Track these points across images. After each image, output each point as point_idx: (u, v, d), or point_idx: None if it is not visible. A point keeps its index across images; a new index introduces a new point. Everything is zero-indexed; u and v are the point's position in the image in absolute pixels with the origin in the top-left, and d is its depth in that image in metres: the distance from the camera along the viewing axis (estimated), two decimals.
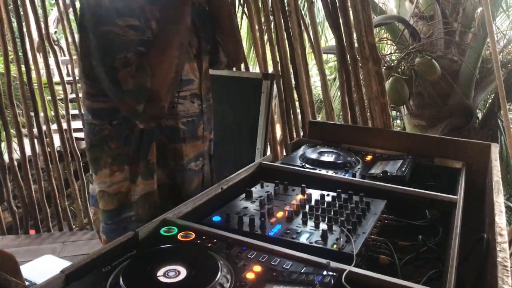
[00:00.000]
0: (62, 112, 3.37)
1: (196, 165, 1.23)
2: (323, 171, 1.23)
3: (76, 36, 2.97)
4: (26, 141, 3.04)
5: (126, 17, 0.99)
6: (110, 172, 1.12)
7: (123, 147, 1.11)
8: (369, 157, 1.39)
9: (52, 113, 3.20)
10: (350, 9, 2.20)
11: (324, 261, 0.70)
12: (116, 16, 0.98)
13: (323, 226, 0.85)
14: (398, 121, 5.05)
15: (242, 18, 3.13)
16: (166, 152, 1.16)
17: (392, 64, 3.49)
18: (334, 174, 1.21)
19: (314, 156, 1.35)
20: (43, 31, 2.94)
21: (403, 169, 1.24)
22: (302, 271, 0.68)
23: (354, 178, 1.17)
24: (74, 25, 3.09)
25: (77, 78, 3.17)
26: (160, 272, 0.65)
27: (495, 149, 1.36)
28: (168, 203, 1.15)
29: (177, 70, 1.04)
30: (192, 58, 1.20)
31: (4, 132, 3.01)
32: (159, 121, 1.09)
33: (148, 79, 0.97)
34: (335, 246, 0.78)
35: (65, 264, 1.83)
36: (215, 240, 0.78)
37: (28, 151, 3.03)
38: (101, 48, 0.99)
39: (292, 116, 2.63)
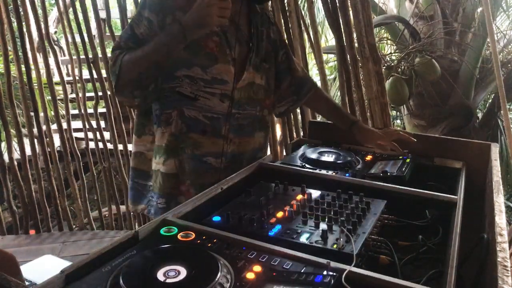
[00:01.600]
0: (62, 112, 3.37)
1: (216, 162, 1.29)
2: (323, 171, 1.23)
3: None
4: (26, 141, 3.04)
5: (147, 10, 1.19)
6: (152, 138, 1.30)
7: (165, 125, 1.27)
8: (369, 157, 1.39)
9: (52, 113, 3.20)
10: (350, 9, 2.20)
11: (324, 261, 0.70)
12: (144, 7, 1.19)
13: (323, 226, 0.85)
14: (398, 121, 5.05)
15: None
16: (184, 139, 1.26)
17: (392, 64, 3.49)
18: (334, 174, 1.21)
19: (314, 156, 1.35)
20: (43, 31, 2.93)
21: (403, 169, 1.24)
22: (302, 271, 0.68)
23: (354, 178, 1.17)
24: (74, 25, 3.09)
25: (77, 78, 3.17)
26: (160, 272, 0.65)
27: (495, 149, 1.36)
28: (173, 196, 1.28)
29: (142, 74, 1.19)
30: (229, 61, 1.25)
31: (4, 132, 3.01)
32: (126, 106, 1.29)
33: (116, 70, 1.17)
34: (335, 246, 0.78)
35: (65, 264, 1.83)
36: (215, 240, 0.77)
37: (28, 151, 3.02)
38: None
39: (292, 116, 2.63)
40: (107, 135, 3.24)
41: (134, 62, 1.16)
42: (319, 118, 2.52)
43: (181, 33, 1.12)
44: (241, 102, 1.30)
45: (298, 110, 2.60)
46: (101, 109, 3.53)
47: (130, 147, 3.10)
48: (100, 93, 3.09)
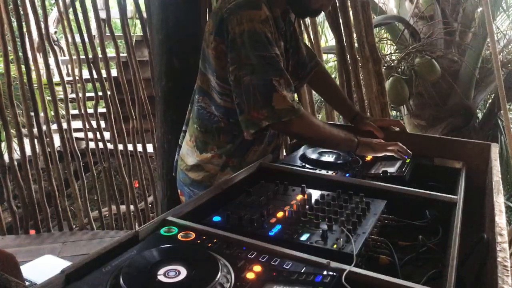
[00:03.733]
0: (62, 112, 3.38)
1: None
2: (323, 171, 1.23)
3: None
4: (26, 141, 3.04)
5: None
6: (212, 156, 1.35)
7: (228, 143, 1.34)
8: (369, 157, 1.39)
9: (52, 113, 3.20)
10: (350, 9, 2.20)
11: (324, 261, 0.70)
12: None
13: (323, 226, 0.85)
14: None
15: None
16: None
17: (392, 64, 3.49)
18: (334, 174, 1.21)
19: (314, 156, 1.35)
20: (43, 31, 2.93)
21: (403, 169, 1.24)
22: (302, 271, 0.68)
23: (354, 178, 1.17)
24: (74, 25, 3.09)
25: (77, 78, 3.17)
26: (160, 272, 0.65)
27: (495, 149, 1.36)
28: None
29: (310, 140, 1.33)
30: None
31: (4, 132, 3.00)
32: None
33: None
34: (335, 246, 0.78)
35: (65, 264, 1.83)
36: (215, 240, 0.78)
37: (28, 151, 3.02)
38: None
39: None
40: (107, 135, 3.24)
41: (315, 130, 1.24)
42: (319, 118, 2.52)
43: (355, 148, 1.27)
44: None
45: None
46: (101, 109, 3.54)
47: (130, 147, 3.14)
48: (100, 93, 3.09)
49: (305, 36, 2.53)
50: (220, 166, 1.35)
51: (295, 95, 1.43)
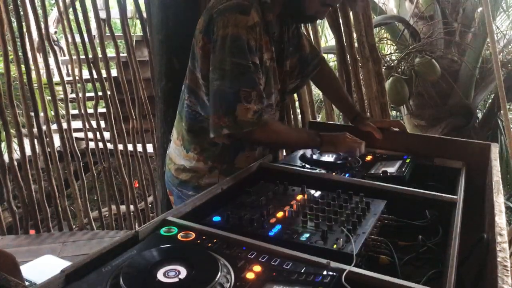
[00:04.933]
0: (62, 112, 3.37)
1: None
2: (323, 171, 1.23)
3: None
4: (26, 141, 3.04)
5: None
6: (198, 158, 1.33)
7: (212, 145, 1.30)
8: (369, 157, 1.39)
9: (52, 113, 3.20)
10: (350, 9, 2.20)
11: (324, 261, 0.70)
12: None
13: (323, 226, 0.85)
14: None
15: None
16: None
17: (392, 64, 3.49)
18: (334, 174, 1.21)
19: (314, 156, 1.35)
20: (43, 31, 2.94)
21: (403, 169, 1.24)
22: (302, 271, 0.68)
23: (354, 178, 1.17)
24: (74, 25, 3.09)
25: (77, 78, 3.17)
26: (160, 272, 0.65)
27: (495, 149, 1.35)
28: None
29: (272, 145, 1.40)
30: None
31: (4, 132, 3.01)
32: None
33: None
34: (335, 246, 0.78)
35: (65, 264, 1.82)
36: (215, 240, 0.78)
37: (28, 151, 3.02)
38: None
39: (292, 116, 2.63)
40: (107, 135, 3.24)
41: (278, 136, 1.28)
42: (319, 118, 2.52)
43: (318, 144, 1.30)
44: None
45: (298, 110, 2.60)
46: (101, 109, 3.54)
47: (130, 147, 3.14)
48: (100, 93, 3.09)
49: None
50: (208, 168, 1.33)
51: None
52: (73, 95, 3.33)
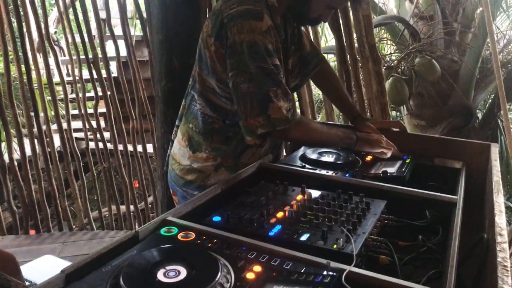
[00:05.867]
0: (62, 112, 3.38)
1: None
2: (323, 171, 1.23)
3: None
4: (26, 141, 3.04)
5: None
6: (206, 157, 1.34)
7: (223, 144, 1.33)
8: (369, 157, 1.39)
9: (52, 113, 3.20)
10: (350, 9, 2.20)
11: (324, 261, 0.70)
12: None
13: (323, 226, 0.85)
14: None
15: None
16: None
17: (392, 64, 3.49)
18: (334, 174, 1.21)
19: (314, 156, 1.35)
20: (43, 31, 2.94)
21: (403, 169, 1.24)
22: (302, 271, 0.68)
23: (354, 178, 1.17)
24: (74, 25, 3.09)
25: (77, 78, 3.17)
26: (160, 272, 0.65)
27: (495, 149, 1.35)
28: None
29: (308, 142, 1.41)
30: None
31: (4, 132, 3.01)
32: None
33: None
34: (335, 246, 0.78)
35: (65, 264, 1.83)
36: (215, 240, 0.77)
37: (28, 151, 3.03)
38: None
39: None
40: (107, 135, 3.24)
41: (313, 134, 1.29)
42: (319, 119, 2.52)
43: (354, 141, 1.31)
44: None
45: (298, 110, 2.60)
46: (101, 109, 3.54)
47: (130, 147, 3.14)
48: (100, 93, 3.09)
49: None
50: (214, 166, 1.35)
51: (295, 95, 1.44)
52: (73, 95, 3.33)
